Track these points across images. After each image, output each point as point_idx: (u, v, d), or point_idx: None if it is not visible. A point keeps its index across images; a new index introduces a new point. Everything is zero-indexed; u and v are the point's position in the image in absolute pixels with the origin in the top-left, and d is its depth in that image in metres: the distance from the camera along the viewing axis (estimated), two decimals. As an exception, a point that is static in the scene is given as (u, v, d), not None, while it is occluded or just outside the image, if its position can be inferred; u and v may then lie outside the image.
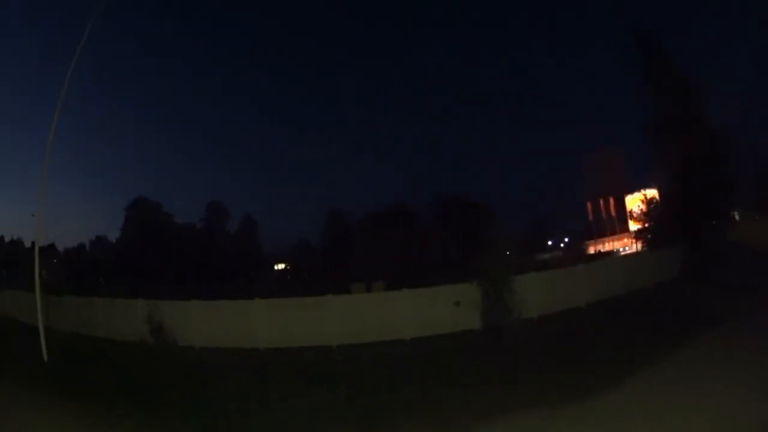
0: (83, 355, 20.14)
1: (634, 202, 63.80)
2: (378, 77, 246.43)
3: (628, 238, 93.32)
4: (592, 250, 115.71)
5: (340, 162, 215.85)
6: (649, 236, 39.27)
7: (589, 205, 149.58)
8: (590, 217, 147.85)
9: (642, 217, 41.29)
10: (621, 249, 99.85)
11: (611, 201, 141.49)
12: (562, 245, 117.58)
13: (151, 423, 10.52)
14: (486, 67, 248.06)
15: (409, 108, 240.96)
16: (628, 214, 61.33)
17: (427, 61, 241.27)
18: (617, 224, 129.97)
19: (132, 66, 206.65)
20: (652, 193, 48.01)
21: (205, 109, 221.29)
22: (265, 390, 13.50)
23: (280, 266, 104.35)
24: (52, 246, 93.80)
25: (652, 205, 40.18)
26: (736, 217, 44.36)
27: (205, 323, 22.39)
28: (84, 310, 26.72)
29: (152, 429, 10.15)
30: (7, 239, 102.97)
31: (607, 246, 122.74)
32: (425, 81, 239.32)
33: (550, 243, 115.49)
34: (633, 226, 56.28)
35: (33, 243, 20.24)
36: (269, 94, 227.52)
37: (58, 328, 23.37)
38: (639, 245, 46.26)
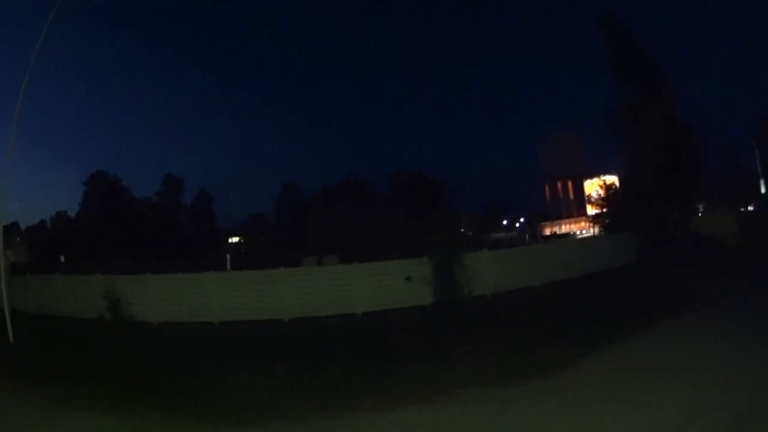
0: (48, 335, 19.95)
1: (593, 186, 65.00)
2: (338, 53, 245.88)
3: (585, 221, 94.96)
4: (548, 232, 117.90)
5: (298, 136, 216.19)
6: (607, 221, 40.00)
7: (546, 187, 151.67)
8: (547, 199, 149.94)
9: (600, 201, 42.06)
10: (578, 232, 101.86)
11: (569, 184, 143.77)
12: (517, 225, 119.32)
13: (114, 402, 10.44)
14: (448, 45, 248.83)
15: (369, 86, 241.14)
16: (587, 198, 62.35)
17: (388, 39, 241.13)
18: (575, 207, 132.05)
19: (88, 40, 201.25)
20: (612, 179, 48.96)
21: (161, 82, 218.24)
22: (222, 366, 13.46)
23: (235, 239, 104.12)
24: (15, 224, 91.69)
25: (611, 191, 40.94)
26: (700, 209, 45.62)
27: (161, 297, 22.38)
28: (46, 289, 26.33)
29: (114, 409, 10.08)
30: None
31: (564, 228, 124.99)
32: (385, 58, 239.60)
33: (505, 222, 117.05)
34: (591, 210, 57.21)
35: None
36: (224, 67, 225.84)
37: (22, 308, 23.07)
38: (596, 229, 47.19)
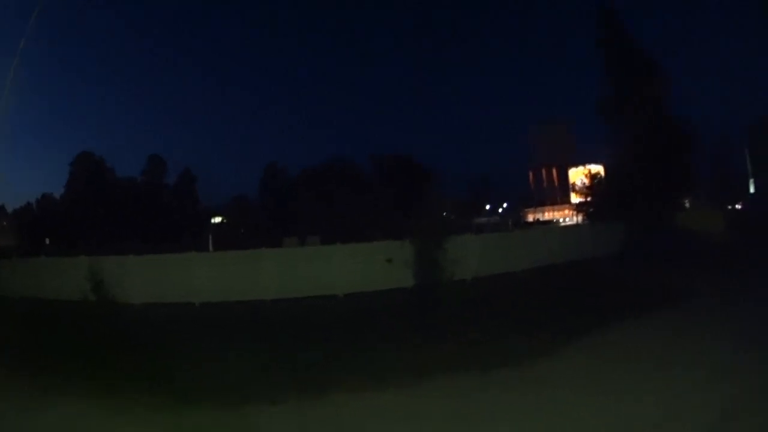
0: (32, 319, 19.74)
1: (578, 175, 65.12)
2: (322, 36, 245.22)
3: (569, 209, 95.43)
4: (531, 218, 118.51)
5: (283, 116, 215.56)
6: (591, 210, 40.07)
7: (530, 173, 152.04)
8: (531, 186, 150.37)
9: (585, 190, 42.11)
10: (561, 219, 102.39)
11: (554, 171, 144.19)
12: (500, 210, 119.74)
13: (94, 386, 10.36)
14: (437, 30, 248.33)
15: (354, 70, 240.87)
16: (571, 186, 62.58)
17: (377, 23, 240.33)
18: (558, 195, 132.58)
19: (70, 22, 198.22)
20: (597, 168, 49.09)
21: (146, 62, 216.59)
22: (203, 349, 13.43)
23: (217, 219, 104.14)
24: (1, 208, 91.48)
25: (596, 180, 41.00)
26: (687, 205, 45.95)
27: (144, 278, 22.41)
28: (32, 272, 25.90)
29: (95, 392, 10.01)
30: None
31: (547, 215, 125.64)
32: (374, 42, 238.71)
33: (488, 207, 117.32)
34: (575, 198, 57.39)
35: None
36: (209, 48, 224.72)
37: (9, 293, 23.03)
38: (580, 218, 47.34)
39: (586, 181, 41.96)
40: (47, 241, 68.58)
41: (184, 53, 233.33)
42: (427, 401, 9.04)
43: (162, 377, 10.80)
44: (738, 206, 64.55)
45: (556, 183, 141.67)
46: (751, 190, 69.94)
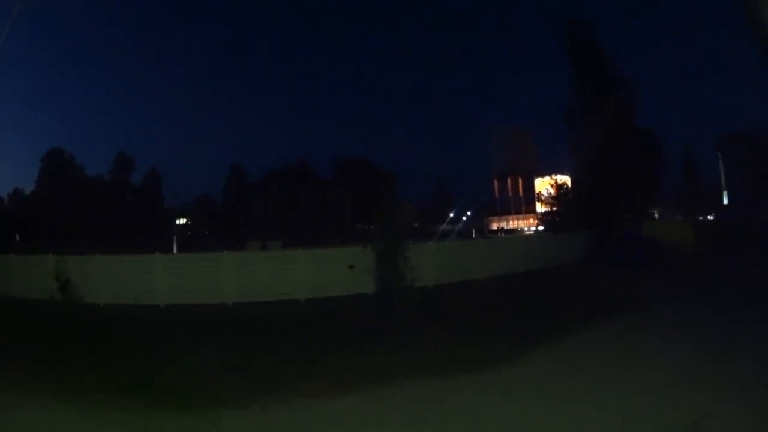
0: (3, 318, 19.64)
1: (544, 185, 66.09)
2: (286, 39, 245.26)
3: (534, 218, 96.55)
4: (495, 227, 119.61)
5: (248, 117, 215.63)
6: (556, 219, 40.69)
7: (495, 182, 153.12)
8: (496, 194, 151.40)
9: (550, 200, 42.78)
10: (525, 228, 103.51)
11: (519, 180, 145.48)
12: (463, 218, 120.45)
13: (60, 387, 10.41)
14: (405, 36, 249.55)
15: (320, 74, 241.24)
16: (536, 195, 63.43)
17: (348, 25, 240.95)
18: (523, 204, 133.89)
19: (44, 19, 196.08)
20: (564, 179, 49.85)
21: (116, 59, 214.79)
22: (166, 352, 13.43)
23: (182, 221, 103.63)
24: None
25: (562, 190, 41.66)
26: (656, 215, 46.82)
27: (109, 279, 22.36)
28: (1, 269, 25.76)
29: (62, 394, 10.08)
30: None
31: (512, 224, 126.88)
32: (340, 44, 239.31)
33: (451, 215, 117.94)
34: (540, 208, 58.20)
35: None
36: (179, 49, 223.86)
37: None
38: (543, 227, 48.00)
39: (553, 190, 42.67)
40: (17, 237, 67.71)
41: (156, 52, 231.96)
42: (389, 405, 9.24)
43: (128, 379, 10.85)
44: (710, 217, 66.16)
45: (522, 192, 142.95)
46: (725, 201, 71.62)
